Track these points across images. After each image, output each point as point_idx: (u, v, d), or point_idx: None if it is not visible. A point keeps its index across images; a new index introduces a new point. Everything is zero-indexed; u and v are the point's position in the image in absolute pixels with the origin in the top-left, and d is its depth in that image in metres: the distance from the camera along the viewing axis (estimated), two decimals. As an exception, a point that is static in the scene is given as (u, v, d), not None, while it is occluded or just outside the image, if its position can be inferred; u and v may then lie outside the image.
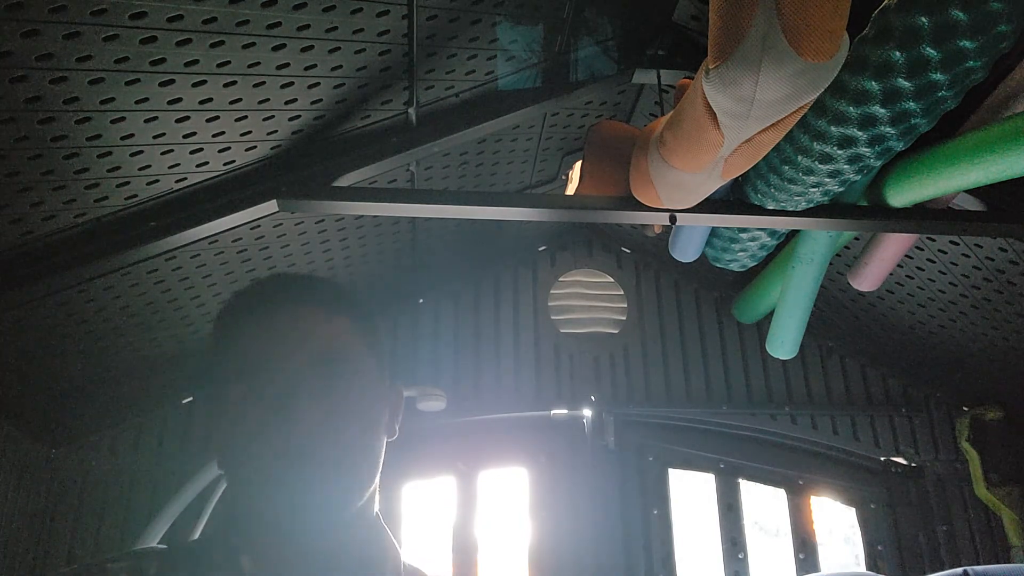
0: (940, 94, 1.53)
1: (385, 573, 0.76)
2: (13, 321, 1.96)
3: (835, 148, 1.66)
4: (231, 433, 0.71)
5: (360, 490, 0.74)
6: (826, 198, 1.89)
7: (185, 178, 1.82)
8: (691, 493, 3.06)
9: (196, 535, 2.39)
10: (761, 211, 1.96)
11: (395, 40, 1.74)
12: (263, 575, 0.70)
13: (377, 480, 0.78)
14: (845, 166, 1.72)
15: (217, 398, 0.74)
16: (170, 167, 1.77)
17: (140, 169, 1.72)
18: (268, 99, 1.72)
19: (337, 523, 0.71)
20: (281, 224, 2.22)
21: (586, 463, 2.97)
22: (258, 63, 1.60)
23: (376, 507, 0.79)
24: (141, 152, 1.68)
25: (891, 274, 2.45)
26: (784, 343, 2.55)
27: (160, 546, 0.76)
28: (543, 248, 3.32)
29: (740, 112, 1.29)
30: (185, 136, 1.70)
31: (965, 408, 3.10)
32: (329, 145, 1.96)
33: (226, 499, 0.75)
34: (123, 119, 1.57)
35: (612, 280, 3.32)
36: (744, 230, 2.21)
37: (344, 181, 1.97)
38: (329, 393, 0.71)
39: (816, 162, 1.72)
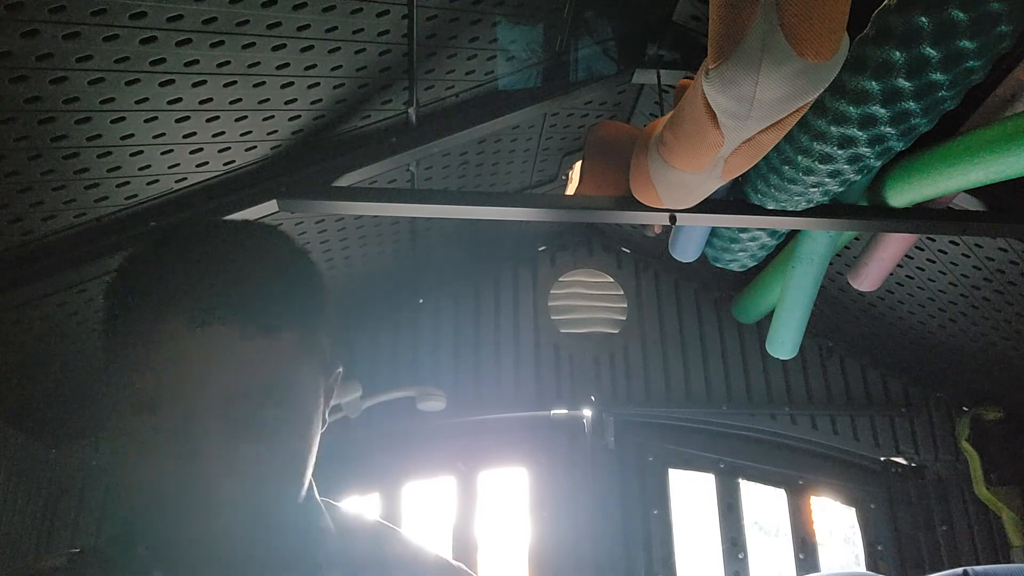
0: (940, 94, 1.53)
1: (323, 551, 0.70)
2: (13, 321, 1.96)
3: (835, 148, 1.66)
4: (127, 457, 0.60)
5: (285, 499, 0.65)
6: (826, 198, 1.89)
7: (185, 178, 1.82)
8: (691, 493, 3.06)
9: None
10: (761, 211, 1.96)
11: (395, 40, 1.74)
12: None
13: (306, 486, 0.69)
14: (845, 166, 1.72)
15: (117, 428, 0.61)
16: (170, 167, 1.76)
17: (140, 169, 1.72)
18: (268, 99, 1.72)
19: (254, 532, 0.62)
20: (281, 224, 2.22)
21: (586, 463, 2.97)
22: (258, 63, 1.60)
23: (304, 494, 0.69)
24: (141, 152, 1.68)
25: (891, 274, 2.45)
26: (784, 343, 2.55)
27: (70, 551, 0.68)
28: (543, 248, 3.32)
29: (740, 112, 1.29)
30: (185, 136, 1.70)
31: (965, 408, 3.10)
32: (329, 145, 1.96)
33: (130, 506, 0.63)
34: (123, 119, 1.57)
35: (612, 280, 3.32)
36: (744, 230, 2.21)
37: (344, 181, 1.97)
38: (248, 436, 0.59)
39: (816, 162, 1.72)
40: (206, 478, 0.58)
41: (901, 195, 1.93)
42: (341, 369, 0.72)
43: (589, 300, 3.30)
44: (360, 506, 2.91)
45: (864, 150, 1.66)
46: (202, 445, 0.58)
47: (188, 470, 0.58)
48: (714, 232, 2.32)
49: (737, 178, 1.83)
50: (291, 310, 0.62)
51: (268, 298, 0.61)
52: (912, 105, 1.54)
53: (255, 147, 1.85)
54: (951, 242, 2.39)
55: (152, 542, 0.63)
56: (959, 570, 2.16)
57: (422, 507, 2.98)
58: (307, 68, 1.69)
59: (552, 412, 3.05)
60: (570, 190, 2.18)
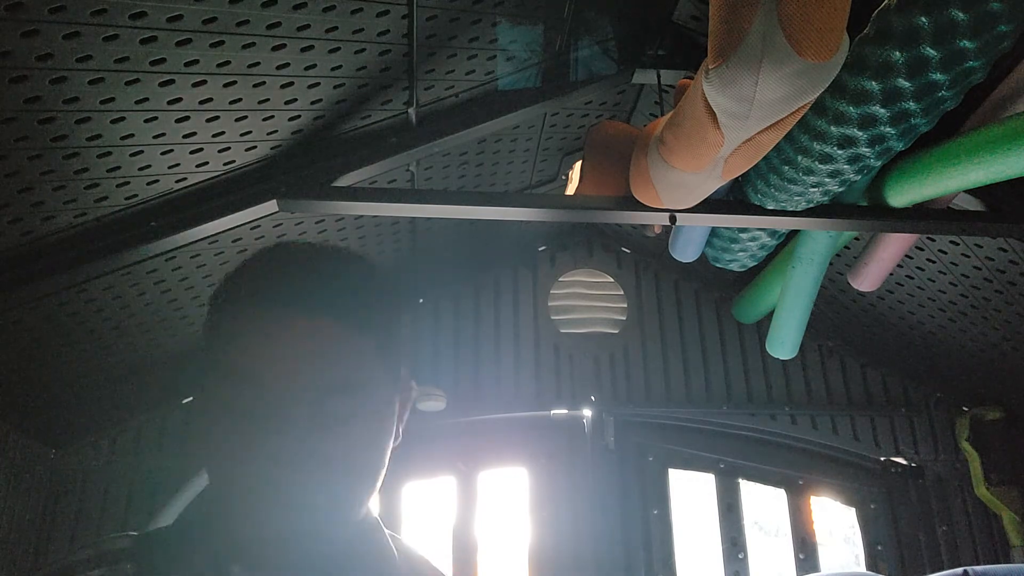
0: (940, 94, 1.53)
1: None
2: (13, 321, 1.96)
3: (835, 148, 1.66)
4: (221, 434, 0.64)
5: (358, 504, 0.68)
6: (826, 198, 1.89)
7: (185, 178, 1.82)
8: (691, 493, 3.06)
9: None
10: (761, 211, 1.96)
11: (395, 40, 1.74)
12: None
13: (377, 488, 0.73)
14: (845, 166, 1.72)
15: (210, 394, 0.66)
16: (170, 167, 1.77)
17: (140, 169, 1.73)
18: (268, 99, 1.72)
19: (332, 533, 0.66)
20: (281, 224, 2.22)
21: (586, 463, 2.97)
22: (258, 63, 1.60)
23: (373, 510, 0.75)
24: (141, 152, 1.68)
25: (891, 274, 2.45)
26: (784, 343, 2.55)
27: (130, 534, 0.69)
28: (543, 248, 3.32)
29: (740, 112, 1.29)
30: (185, 136, 1.70)
31: (965, 408, 3.10)
32: (329, 145, 1.96)
33: (208, 498, 0.69)
34: (123, 119, 1.57)
35: (612, 280, 3.32)
36: (744, 230, 2.21)
37: (344, 181, 1.97)
38: (329, 424, 0.64)
39: (816, 162, 1.72)
40: (284, 464, 0.61)
41: (901, 195, 1.93)
42: (416, 387, 0.76)
43: (589, 300, 3.30)
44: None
45: (864, 150, 1.66)
46: (284, 427, 0.62)
47: (268, 454, 0.61)
48: (714, 232, 2.32)
49: (737, 178, 1.83)
50: (373, 317, 0.68)
51: (355, 302, 0.67)
52: (912, 105, 1.54)
53: (255, 147, 1.85)
54: (951, 242, 2.39)
55: (230, 534, 0.65)
56: (959, 570, 2.16)
57: (422, 507, 2.98)
58: (307, 68, 1.69)
59: (552, 412, 3.05)
60: (570, 190, 2.18)
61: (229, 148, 1.81)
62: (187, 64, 1.51)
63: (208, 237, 2.00)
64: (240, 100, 1.68)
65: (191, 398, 2.81)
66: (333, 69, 1.74)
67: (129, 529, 2.54)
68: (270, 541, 0.63)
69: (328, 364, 0.64)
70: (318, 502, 0.63)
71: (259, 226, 2.16)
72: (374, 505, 0.74)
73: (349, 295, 0.68)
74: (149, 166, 1.73)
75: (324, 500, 0.63)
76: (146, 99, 1.55)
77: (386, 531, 0.76)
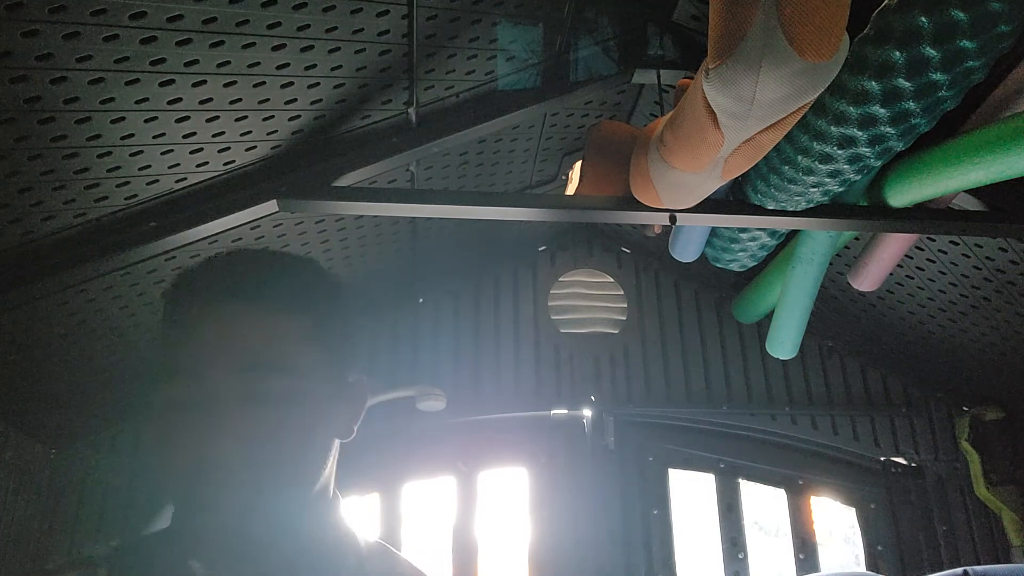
0: (940, 94, 1.53)
1: (344, 564, 0.73)
2: (13, 321, 1.96)
3: (835, 148, 1.66)
4: (166, 432, 0.65)
5: (296, 499, 0.68)
6: (826, 198, 1.89)
7: (185, 178, 1.82)
8: (691, 493, 3.06)
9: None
10: (761, 211, 1.96)
11: (395, 40, 1.74)
12: None
13: (324, 477, 0.72)
14: (845, 166, 1.72)
15: (158, 398, 0.67)
16: (170, 167, 1.77)
17: (140, 169, 1.73)
18: (268, 99, 1.72)
19: (278, 528, 0.67)
20: (281, 224, 2.22)
21: (586, 463, 2.97)
22: (258, 63, 1.60)
23: (329, 498, 0.74)
24: (141, 152, 1.68)
25: (891, 274, 2.45)
26: (784, 343, 2.55)
27: (111, 544, 0.74)
28: (543, 248, 3.32)
29: (740, 112, 1.29)
30: (185, 136, 1.70)
31: (965, 408, 3.10)
32: (329, 145, 1.96)
33: (161, 491, 0.71)
34: (123, 119, 1.57)
35: (612, 280, 3.32)
36: (744, 230, 2.21)
37: (344, 181, 1.97)
38: (259, 403, 0.65)
39: (816, 162, 1.72)
40: (223, 448, 0.62)
41: (901, 195, 1.93)
42: (365, 379, 0.77)
43: (589, 300, 3.30)
44: (359, 510, 2.91)
45: (864, 150, 1.66)
46: (219, 409, 0.63)
47: (206, 439, 0.63)
48: (714, 232, 2.32)
49: (737, 178, 1.83)
50: (310, 306, 0.70)
51: (290, 291, 0.70)
52: (912, 105, 1.54)
53: (255, 147, 1.85)
54: (951, 242, 2.39)
55: (189, 531, 0.67)
56: (959, 570, 2.16)
57: (422, 507, 2.98)
58: (307, 68, 1.69)
59: (552, 412, 3.05)
60: (570, 190, 2.18)
61: (229, 148, 1.81)
62: (187, 64, 1.51)
63: (208, 237, 2.00)
64: (240, 100, 1.68)
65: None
66: (333, 69, 1.74)
67: (129, 529, 2.55)
68: (219, 530, 0.64)
69: (257, 343, 0.66)
70: (253, 475, 0.63)
71: (259, 226, 2.16)
72: (338, 498, 0.76)
73: (285, 284, 0.70)
74: (149, 166, 1.73)
75: (260, 472, 0.64)
76: (146, 99, 1.55)
77: (347, 520, 0.77)
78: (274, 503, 0.65)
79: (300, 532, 0.69)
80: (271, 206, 1.91)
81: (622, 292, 3.30)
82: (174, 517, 0.70)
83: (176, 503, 0.67)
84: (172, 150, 1.72)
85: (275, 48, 1.59)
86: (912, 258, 2.54)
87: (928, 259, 2.51)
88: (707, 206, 1.90)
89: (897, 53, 1.46)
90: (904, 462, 3.10)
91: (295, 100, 1.77)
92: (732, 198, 2.00)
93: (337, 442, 0.74)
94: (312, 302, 0.71)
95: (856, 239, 2.52)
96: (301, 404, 0.67)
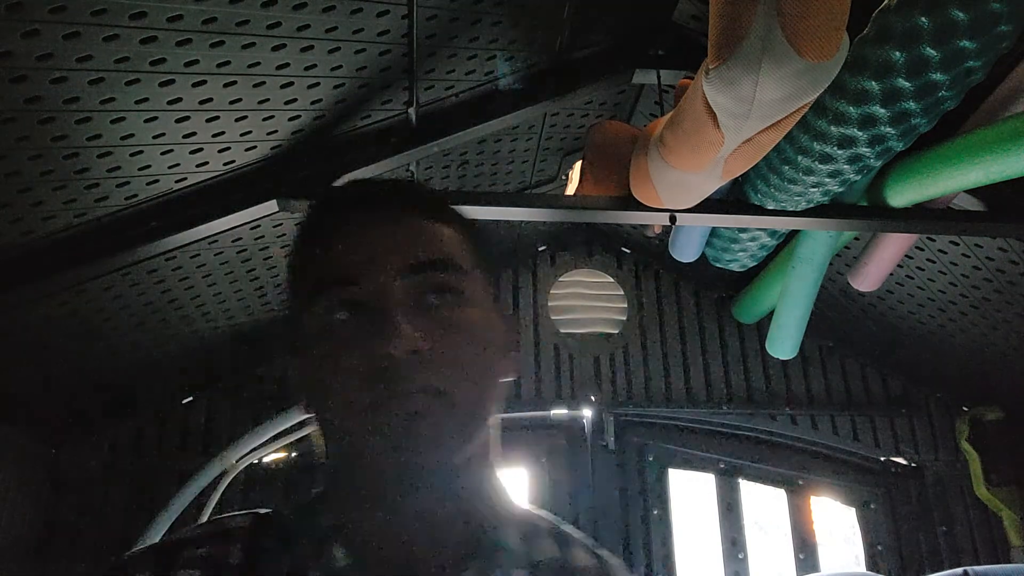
0: (940, 94, 1.53)
1: (511, 547, 0.62)
2: (13, 321, 1.96)
3: (835, 148, 1.66)
4: (314, 358, 0.59)
5: (470, 433, 0.59)
6: (826, 198, 1.89)
7: (185, 178, 1.82)
8: (691, 493, 3.06)
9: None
10: (761, 211, 1.96)
11: (395, 40, 1.74)
12: (355, 568, 0.58)
13: (488, 430, 0.63)
14: (845, 166, 1.72)
15: (299, 317, 0.61)
16: (170, 167, 1.76)
17: (140, 169, 1.72)
18: (268, 99, 1.72)
19: (444, 480, 0.58)
20: (281, 224, 2.22)
21: (586, 463, 2.97)
22: (258, 63, 1.60)
23: (491, 464, 0.65)
24: (141, 152, 1.68)
25: (891, 274, 2.45)
26: (784, 343, 2.55)
27: (257, 512, 0.64)
28: (543, 248, 3.32)
29: (740, 112, 1.29)
30: (185, 136, 1.70)
31: (965, 408, 3.10)
32: (329, 145, 1.96)
33: (323, 459, 0.64)
34: (123, 119, 1.57)
35: (612, 280, 3.32)
36: (744, 230, 2.21)
37: (344, 181, 1.97)
38: (430, 304, 0.59)
39: (816, 162, 1.72)
40: (398, 352, 0.55)
41: (901, 195, 1.93)
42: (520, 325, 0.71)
43: (589, 300, 3.30)
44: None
45: (864, 150, 1.66)
46: (388, 313, 0.57)
47: (378, 346, 0.56)
48: (714, 232, 2.32)
49: (737, 178, 1.83)
50: (453, 213, 0.67)
51: (433, 199, 0.67)
52: (912, 105, 1.54)
53: (255, 147, 1.85)
54: (951, 242, 2.39)
55: (339, 511, 0.61)
56: (959, 570, 2.16)
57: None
58: (307, 68, 1.69)
59: (552, 412, 3.05)
60: (570, 190, 2.18)
61: (229, 148, 1.81)
62: (187, 64, 1.51)
63: (208, 237, 2.00)
64: (240, 100, 1.68)
65: (192, 398, 2.82)
66: (333, 69, 1.74)
67: (128, 528, 2.54)
68: (372, 508, 0.58)
69: (422, 243, 0.61)
70: (440, 384, 0.57)
71: (259, 226, 2.16)
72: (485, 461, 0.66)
73: (438, 199, 0.67)
74: (149, 166, 1.73)
75: (446, 382, 0.57)
76: (146, 99, 1.55)
77: (508, 490, 0.68)
78: (461, 419, 0.57)
79: (466, 502, 0.61)
80: (271, 206, 1.91)
81: (622, 292, 3.30)
82: (322, 493, 0.64)
83: (355, 426, 0.58)
84: (172, 150, 1.72)
85: (275, 48, 1.59)
86: (912, 258, 2.54)
87: (928, 259, 2.51)
88: (707, 206, 1.90)
89: (897, 53, 1.46)
90: (904, 462, 3.10)
91: (295, 100, 1.77)
92: (732, 198, 2.00)
93: (498, 395, 0.64)
94: (462, 219, 0.67)
95: (856, 239, 2.52)
96: (472, 305, 0.61)
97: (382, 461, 0.57)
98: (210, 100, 1.63)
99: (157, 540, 0.64)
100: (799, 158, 1.73)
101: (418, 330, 0.57)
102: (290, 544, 0.60)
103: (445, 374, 0.57)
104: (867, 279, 2.37)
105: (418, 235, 0.62)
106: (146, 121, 1.60)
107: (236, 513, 0.64)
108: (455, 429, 0.57)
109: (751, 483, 3.09)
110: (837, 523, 3.34)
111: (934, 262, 2.51)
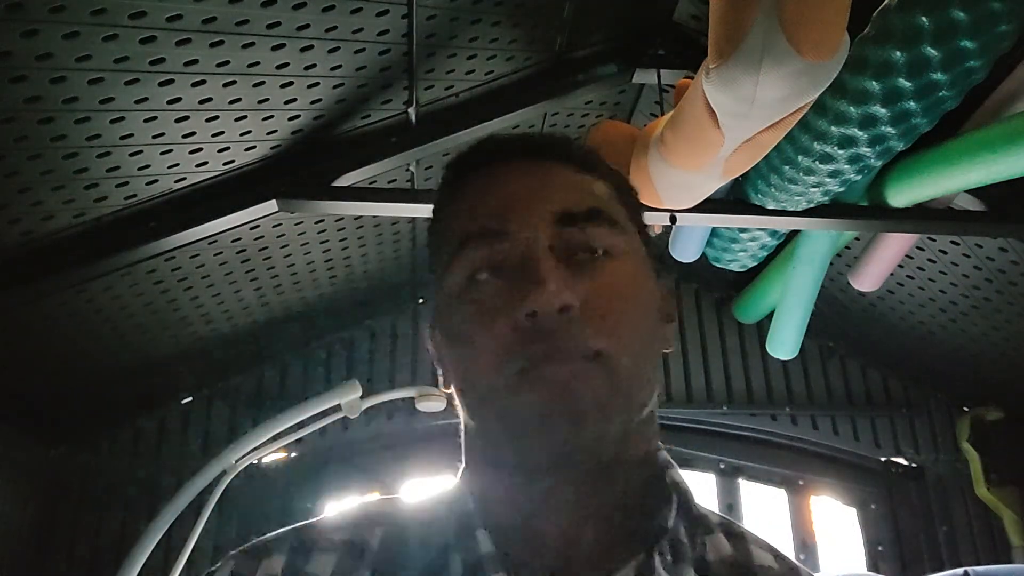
0: (940, 94, 1.52)
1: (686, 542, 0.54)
2: (12, 321, 1.96)
3: (835, 148, 1.66)
4: (455, 323, 0.53)
5: (635, 405, 0.52)
6: (826, 198, 1.88)
7: (184, 178, 1.82)
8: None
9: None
10: (761, 211, 1.96)
11: (395, 40, 1.74)
12: (499, 564, 0.50)
13: (653, 401, 0.56)
14: (845, 166, 1.72)
15: (439, 285, 0.55)
16: (169, 167, 1.76)
17: (139, 169, 1.72)
18: (268, 99, 1.72)
19: (604, 457, 0.51)
20: (280, 224, 2.22)
21: (586, 463, 2.97)
22: (257, 63, 1.60)
23: (654, 445, 0.58)
24: (140, 152, 1.68)
25: (892, 274, 2.45)
26: (785, 343, 2.54)
27: (391, 498, 0.60)
28: (543, 248, 3.32)
29: (740, 112, 1.29)
30: (184, 136, 1.70)
31: (966, 408, 3.09)
32: (329, 145, 1.96)
33: (463, 436, 0.58)
34: (122, 119, 1.57)
35: (612, 280, 3.32)
36: (744, 230, 2.21)
37: (344, 181, 1.97)
38: (582, 259, 0.53)
39: (816, 162, 1.71)
40: (551, 302, 0.49)
41: (901, 195, 1.93)
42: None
43: (589, 300, 3.29)
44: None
45: (864, 150, 1.66)
46: (538, 268, 0.50)
47: (531, 299, 0.49)
48: (714, 232, 2.32)
49: (737, 178, 1.83)
50: (604, 167, 0.61)
51: (582, 150, 0.61)
52: (912, 105, 1.54)
53: (255, 147, 1.85)
54: (951, 242, 2.39)
55: (481, 483, 0.55)
56: (960, 571, 2.15)
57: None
58: (307, 68, 1.69)
59: (552, 412, 3.04)
60: (570, 190, 2.17)
61: (229, 148, 1.80)
62: (186, 64, 1.51)
63: (207, 237, 2.00)
64: (240, 100, 1.68)
65: (191, 398, 2.81)
66: (333, 69, 1.73)
67: (128, 528, 2.54)
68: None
69: (571, 194, 0.55)
70: (599, 344, 0.49)
71: (258, 226, 2.16)
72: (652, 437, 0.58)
73: (588, 151, 0.61)
74: (148, 166, 1.73)
75: (605, 341, 0.50)
76: (146, 99, 1.55)
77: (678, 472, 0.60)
78: (626, 383, 0.50)
79: (628, 484, 0.54)
80: (271, 206, 1.91)
81: (622, 292, 3.29)
82: (469, 457, 0.58)
83: (487, 413, 0.53)
84: (171, 150, 1.72)
85: (275, 48, 1.59)
86: (912, 258, 2.53)
87: (929, 259, 2.51)
88: (707, 206, 1.90)
89: (898, 53, 1.46)
90: (905, 462, 3.09)
91: (295, 100, 1.76)
92: (732, 198, 2.00)
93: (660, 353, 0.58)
94: (614, 173, 0.62)
95: (857, 239, 2.52)
96: (630, 263, 0.55)
97: (533, 435, 0.50)
98: (209, 100, 1.63)
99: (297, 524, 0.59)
100: (799, 158, 1.73)
101: (571, 285, 0.50)
102: (431, 529, 0.55)
103: (603, 335, 0.50)
104: (868, 279, 2.36)
105: (569, 185, 0.56)
106: (145, 121, 1.60)
107: (375, 498, 0.60)
108: (618, 398, 0.50)
109: (751, 483, 3.08)
110: (837, 524, 3.33)
111: (935, 262, 2.51)
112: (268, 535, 0.56)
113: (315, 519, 0.58)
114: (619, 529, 0.53)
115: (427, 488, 0.60)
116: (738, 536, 0.60)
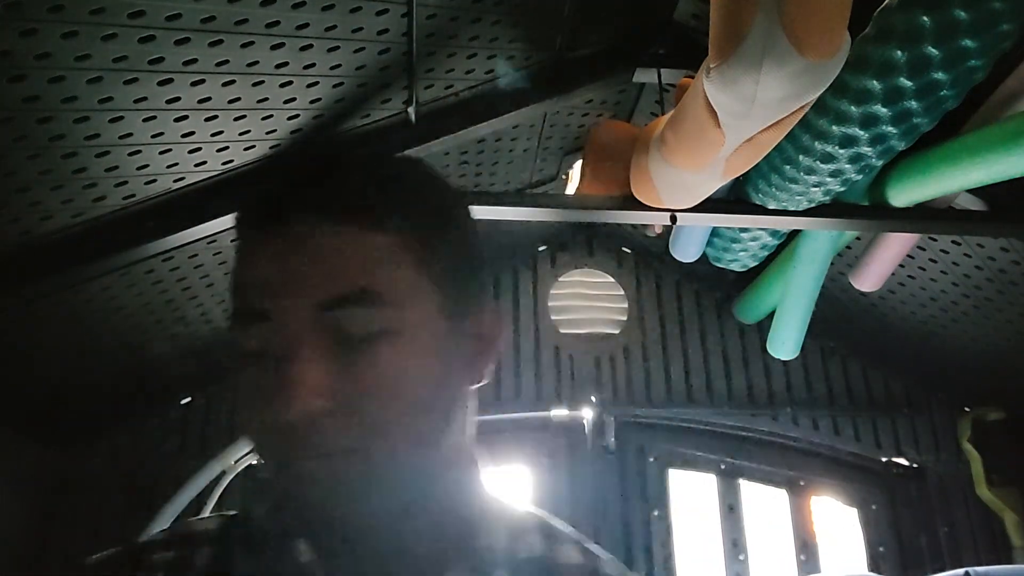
0: (942, 93, 1.52)
1: (492, 542, 0.58)
2: (12, 321, 1.95)
3: (836, 148, 1.66)
4: (238, 398, 0.54)
5: (418, 465, 0.53)
6: (827, 198, 1.88)
7: (183, 178, 1.82)
8: (692, 494, 3.05)
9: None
10: (762, 211, 1.95)
11: (394, 39, 1.74)
12: (321, 566, 0.54)
13: (453, 434, 0.58)
14: (846, 165, 1.71)
15: (233, 344, 0.54)
16: (168, 167, 1.76)
17: (138, 168, 1.72)
18: (267, 98, 1.71)
19: (396, 502, 0.53)
20: (280, 224, 2.21)
21: (586, 464, 2.96)
22: (257, 62, 1.60)
23: (465, 461, 0.61)
24: (139, 151, 1.68)
25: (893, 274, 2.45)
26: (785, 343, 2.54)
27: (224, 514, 0.62)
28: (543, 248, 3.32)
29: (741, 111, 1.28)
30: (184, 135, 1.69)
31: (967, 409, 3.09)
32: (328, 145, 1.96)
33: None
34: (121, 118, 1.57)
35: (612, 280, 3.32)
36: (745, 230, 2.21)
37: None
38: (349, 348, 0.50)
39: (817, 161, 1.71)
40: (309, 408, 0.48)
41: (902, 194, 1.93)
42: (496, 308, 0.62)
43: (589, 300, 3.29)
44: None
45: (865, 149, 1.66)
46: (298, 359, 0.49)
47: (287, 397, 0.48)
48: (715, 232, 2.31)
49: (738, 178, 1.83)
50: (404, 209, 0.54)
51: (377, 194, 0.54)
52: (914, 104, 1.54)
53: (254, 146, 1.84)
54: (953, 242, 2.38)
55: (289, 502, 0.55)
56: (960, 571, 2.15)
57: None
58: (306, 67, 1.68)
59: (552, 412, 3.04)
60: (570, 190, 2.17)
61: (228, 148, 1.80)
62: (186, 63, 1.51)
63: (206, 237, 2.00)
64: (239, 99, 1.67)
65: (190, 398, 2.81)
66: (332, 68, 1.73)
67: (128, 528, 2.54)
68: (322, 508, 0.51)
69: (342, 270, 0.51)
70: (364, 451, 0.50)
71: (258, 226, 2.15)
72: (476, 462, 0.63)
73: (365, 191, 0.53)
74: (147, 165, 1.72)
75: (368, 449, 0.50)
76: (144, 98, 1.54)
77: (490, 487, 0.63)
78: (386, 473, 0.51)
79: (429, 504, 0.56)
80: (270, 206, 1.90)
81: (622, 292, 3.29)
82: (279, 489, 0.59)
83: (273, 478, 0.53)
84: (171, 149, 1.71)
85: (274, 47, 1.58)
86: (914, 258, 2.53)
87: (930, 259, 2.51)
88: (708, 206, 1.89)
89: (899, 52, 1.46)
90: (906, 463, 3.09)
91: (294, 99, 1.76)
92: (733, 198, 2.00)
93: (469, 392, 0.59)
94: (406, 209, 0.54)
95: (857, 239, 2.52)
96: (401, 344, 0.51)
97: (311, 514, 0.52)
98: (208, 99, 1.63)
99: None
100: (800, 157, 1.72)
101: (325, 384, 0.49)
102: (257, 543, 0.57)
103: (358, 432, 0.50)
104: (869, 279, 2.36)
105: (344, 258, 0.51)
106: (144, 120, 1.60)
107: (204, 517, 0.64)
108: (384, 485, 0.51)
109: (752, 484, 3.08)
110: (838, 524, 3.33)
111: (936, 262, 2.51)
112: (92, 558, 0.58)
113: (141, 540, 0.60)
114: (434, 545, 0.56)
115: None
116: (551, 535, 0.64)
